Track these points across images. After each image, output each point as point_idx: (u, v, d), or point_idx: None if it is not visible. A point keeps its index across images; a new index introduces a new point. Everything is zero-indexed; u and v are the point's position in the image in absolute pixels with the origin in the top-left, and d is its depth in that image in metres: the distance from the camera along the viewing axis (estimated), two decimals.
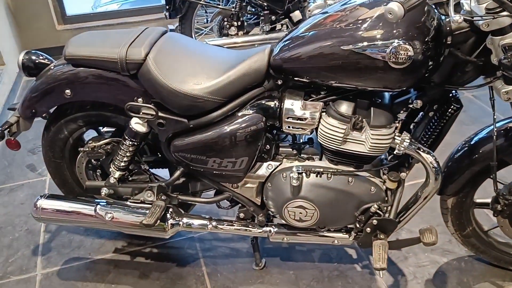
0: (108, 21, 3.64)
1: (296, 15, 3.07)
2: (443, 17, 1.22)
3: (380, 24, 1.17)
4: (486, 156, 1.44)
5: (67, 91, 1.50)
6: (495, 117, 1.33)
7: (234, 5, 2.93)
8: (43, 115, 1.67)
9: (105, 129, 1.79)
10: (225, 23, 2.96)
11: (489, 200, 1.54)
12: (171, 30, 3.39)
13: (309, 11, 3.55)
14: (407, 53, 1.14)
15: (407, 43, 1.14)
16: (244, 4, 2.97)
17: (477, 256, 1.78)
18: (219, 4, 3.06)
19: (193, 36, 3.10)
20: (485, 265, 1.77)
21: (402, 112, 1.42)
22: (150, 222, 1.46)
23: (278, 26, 3.11)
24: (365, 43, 1.17)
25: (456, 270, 1.77)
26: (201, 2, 2.93)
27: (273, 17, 3.00)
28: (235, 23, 2.96)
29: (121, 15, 3.70)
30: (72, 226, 1.99)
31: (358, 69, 1.21)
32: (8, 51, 3.21)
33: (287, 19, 3.07)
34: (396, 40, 1.15)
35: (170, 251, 1.90)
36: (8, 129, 1.62)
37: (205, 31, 3.26)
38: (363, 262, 1.80)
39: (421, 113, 1.45)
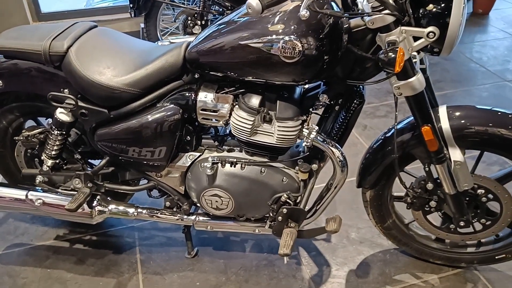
0: (82, 19, 3.71)
1: None
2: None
3: (276, 20, 1.24)
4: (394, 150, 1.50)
5: None
6: (396, 113, 1.39)
7: (198, 5, 3.00)
8: None
9: (50, 120, 1.86)
10: (189, 22, 3.03)
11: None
12: (142, 29, 3.49)
13: None
14: (296, 48, 1.21)
15: (297, 39, 1.21)
16: (208, 3, 3.04)
17: (402, 249, 1.84)
18: (183, 3, 3.13)
19: (158, 34, 3.17)
20: (409, 257, 1.83)
21: (321, 107, 1.49)
22: (72, 207, 1.53)
23: None
24: (260, 39, 1.24)
25: (380, 262, 1.83)
26: (165, 1, 3.00)
27: None
28: (199, 22, 3.02)
29: (94, 14, 3.78)
30: (18, 214, 2.07)
31: (256, 64, 1.28)
32: None
33: None
34: (287, 36, 1.21)
35: (109, 239, 1.97)
36: None
37: (171, 29, 3.33)
38: (291, 253, 1.86)
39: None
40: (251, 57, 1.27)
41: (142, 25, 3.39)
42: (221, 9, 3.18)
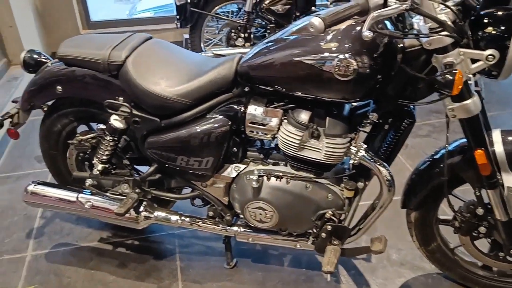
0: (128, 28, 3.84)
1: None
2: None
3: (330, 38, 1.25)
4: (443, 172, 1.47)
5: (59, 87, 1.65)
6: (448, 134, 1.36)
7: (242, 18, 3.06)
8: (45, 108, 1.82)
9: (101, 125, 1.94)
10: (233, 34, 3.09)
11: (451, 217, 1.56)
12: (186, 40, 3.58)
13: None
14: (351, 67, 1.21)
15: (352, 58, 1.22)
16: (252, 17, 3.10)
17: (445, 274, 1.79)
18: (228, 16, 3.19)
19: (202, 45, 3.25)
20: (452, 283, 1.78)
21: (368, 125, 1.48)
22: (121, 211, 1.58)
23: None
24: (315, 56, 1.26)
25: (422, 285, 1.78)
26: (210, 13, 3.07)
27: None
28: (242, 35, 3.08)
29: (140, 23, 3.91)
30: (64, 214, 2.14)
31: (308, 80, 1.29)
32: None
33: None
34: (342, 54, 1.22)
35: (150, 244, 2.01)
36: (10, 119, 1.80)
37: (214, 41, 3.40)
38: (334, 271, 1.84)
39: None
40: (303, 73, 1.29)
41: (187, 36, 3.49)
42: (264, 23, 3.23)
